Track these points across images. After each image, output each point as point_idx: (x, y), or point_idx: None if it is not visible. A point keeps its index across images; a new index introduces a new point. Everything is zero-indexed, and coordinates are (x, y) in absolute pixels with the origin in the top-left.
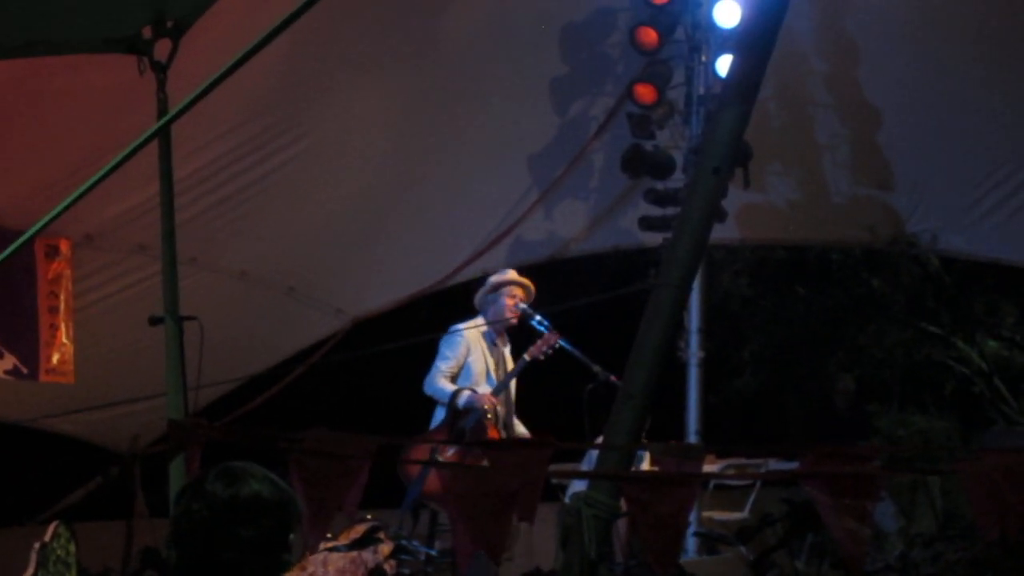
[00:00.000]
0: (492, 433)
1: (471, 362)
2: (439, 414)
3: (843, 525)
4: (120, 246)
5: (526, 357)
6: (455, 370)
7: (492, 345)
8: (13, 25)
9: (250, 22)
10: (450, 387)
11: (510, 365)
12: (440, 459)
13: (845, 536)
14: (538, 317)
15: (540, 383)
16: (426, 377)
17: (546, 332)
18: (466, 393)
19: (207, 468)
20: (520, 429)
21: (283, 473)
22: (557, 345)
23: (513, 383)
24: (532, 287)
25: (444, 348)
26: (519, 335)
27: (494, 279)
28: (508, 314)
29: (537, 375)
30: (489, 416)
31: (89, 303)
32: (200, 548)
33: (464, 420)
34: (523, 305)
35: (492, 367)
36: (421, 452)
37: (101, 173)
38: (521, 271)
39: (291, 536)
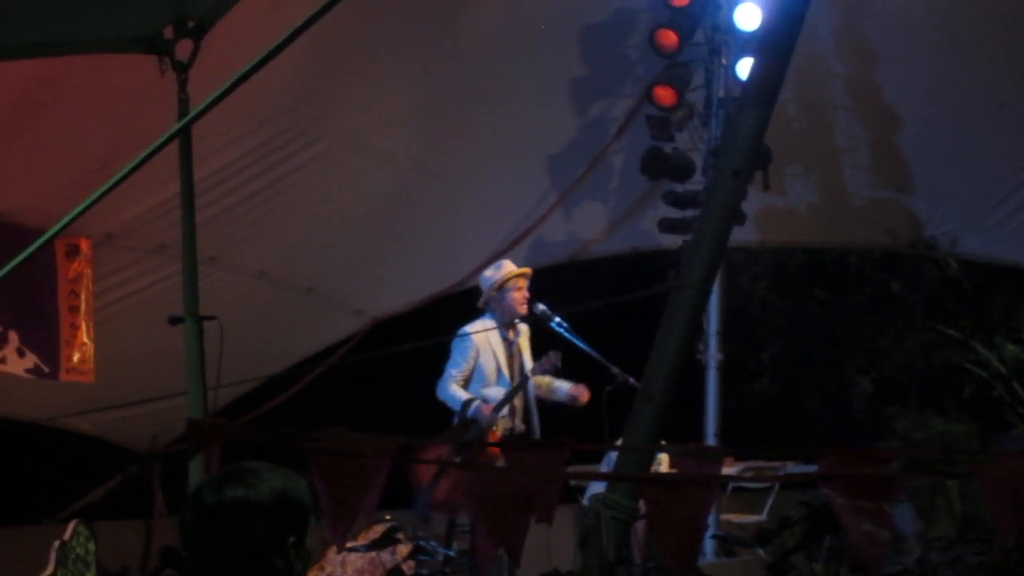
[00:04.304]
0: (495, 453)
1: (482, 364)
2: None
3: (861, 528)
4: (140, 246)
5: (528, 375)
6: (467, 374)
7: (503, 340)
8: (35, 24)
9: (271, 23)
10: (462, 395)
11: (526, 353)
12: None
13: (863, 539)
14: (557, 319)
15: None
16: (438, 382)
17: (551, 353)
18: (475, 404)
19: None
20: (534, 420)
21: (303, 474)
22: (559, 365)
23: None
24: (529, 271)
25: (455, 353)
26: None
27: (494, 276)
28: (520, 309)
29: (556, 377)
30: (497, 427)
31: (109, 302)
32: (194, 555)
33: (468, 431)
34: (542, 307)
35: (504, 363)
36: (426, 468)
37: (122, 173)
38: (540, 272)
39: (293, 540)
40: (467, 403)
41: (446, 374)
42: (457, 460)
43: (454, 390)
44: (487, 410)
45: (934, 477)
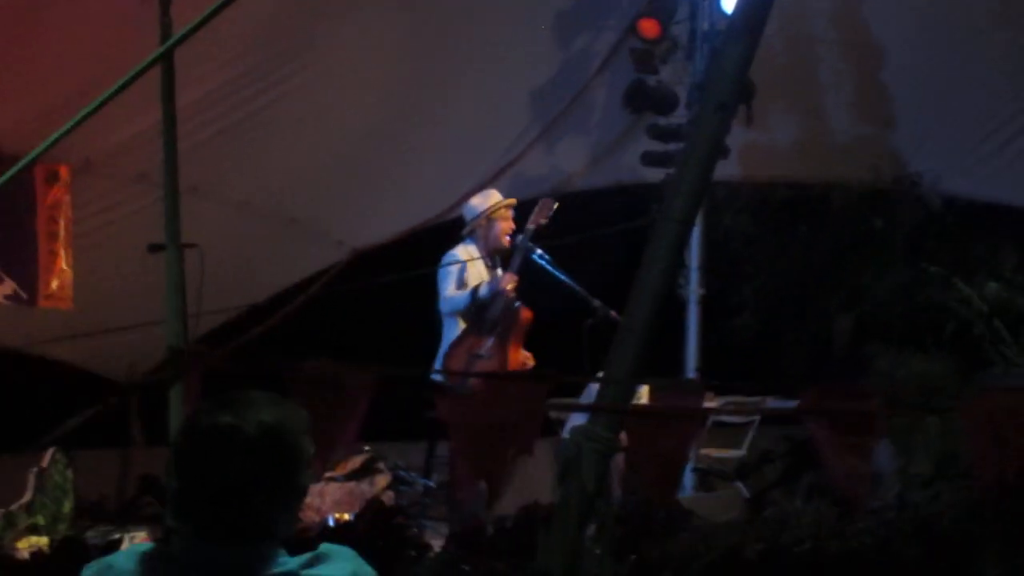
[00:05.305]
0: (525, 313)
1: (469, 281)
2: (450, 331)
3: (843, 463)
4: (120, 173)
5: (530, 226)
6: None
7: (487, 268)
8: None
9: None
10: (465, 291)
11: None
12: (482, 355)
13: (844, 474)
14: (539, 251)
15: (540, 318)
16: (439, 303)
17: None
18: (484, 285)
19: (207, 397)
20: None
21: None
22: (556, 206)
23: None
24: (515, 202)
25: (445, 275)
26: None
27: (482, 206)
28: (504, 240)
29: (537, 310)
30: (513, 295)
31: (89, 229)
32: (177, 482)
33: (490, 310)
34: (522, 238)
35: None
36: (458, 359)
37: (102, 98)
38: (523, 204)
39: (276, 480)
40: (475, 290)
41: (443, 291)
42: (491, 343)
43: (457, 294)
44: (503, 279)
45: (914, 414)
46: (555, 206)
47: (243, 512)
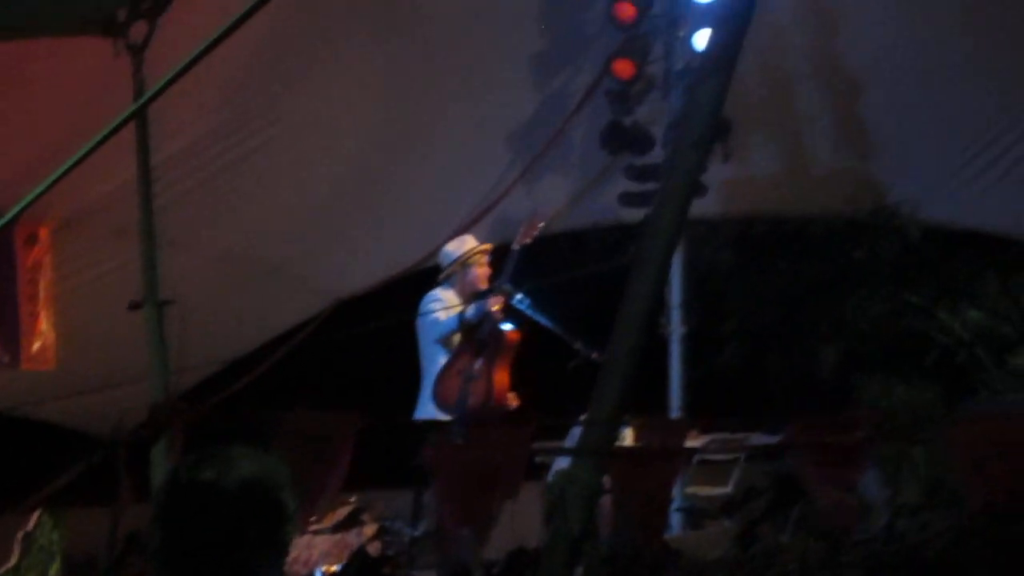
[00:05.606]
0: (512, 335)
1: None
2: (434, 365)
3: (829, 495)
4: (100, 229)
5: (515, 247)
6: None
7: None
8: None
9: (227, 2)
10: (452, 317)
11: None
12: (473, 375)
13: (831, 506)
14: (519, 296)
15: (522, 361)
16: (420, 340)
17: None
18: (471, 306)
19: (189, 452)
20: None
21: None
22: (543, 224)
23: None
24: (491, 247)
25: (427, 319)
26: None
27: (456, 252)
28: (481, 285)
29: (519, 353)
30: (500, 317)
31: (70, 288)
32: (159, 536)
33: (479, 331)
34: (500, 281)
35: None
36: (451, 384)
37: (76, 157)
38: (501, 248)
39: (255, 534)
40: (461, 314)
41: (433, 328)
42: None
43: (445, 319)
44: (489, 301)
45: (900, 443)
46: (541, 224)
47: (226, 568)
